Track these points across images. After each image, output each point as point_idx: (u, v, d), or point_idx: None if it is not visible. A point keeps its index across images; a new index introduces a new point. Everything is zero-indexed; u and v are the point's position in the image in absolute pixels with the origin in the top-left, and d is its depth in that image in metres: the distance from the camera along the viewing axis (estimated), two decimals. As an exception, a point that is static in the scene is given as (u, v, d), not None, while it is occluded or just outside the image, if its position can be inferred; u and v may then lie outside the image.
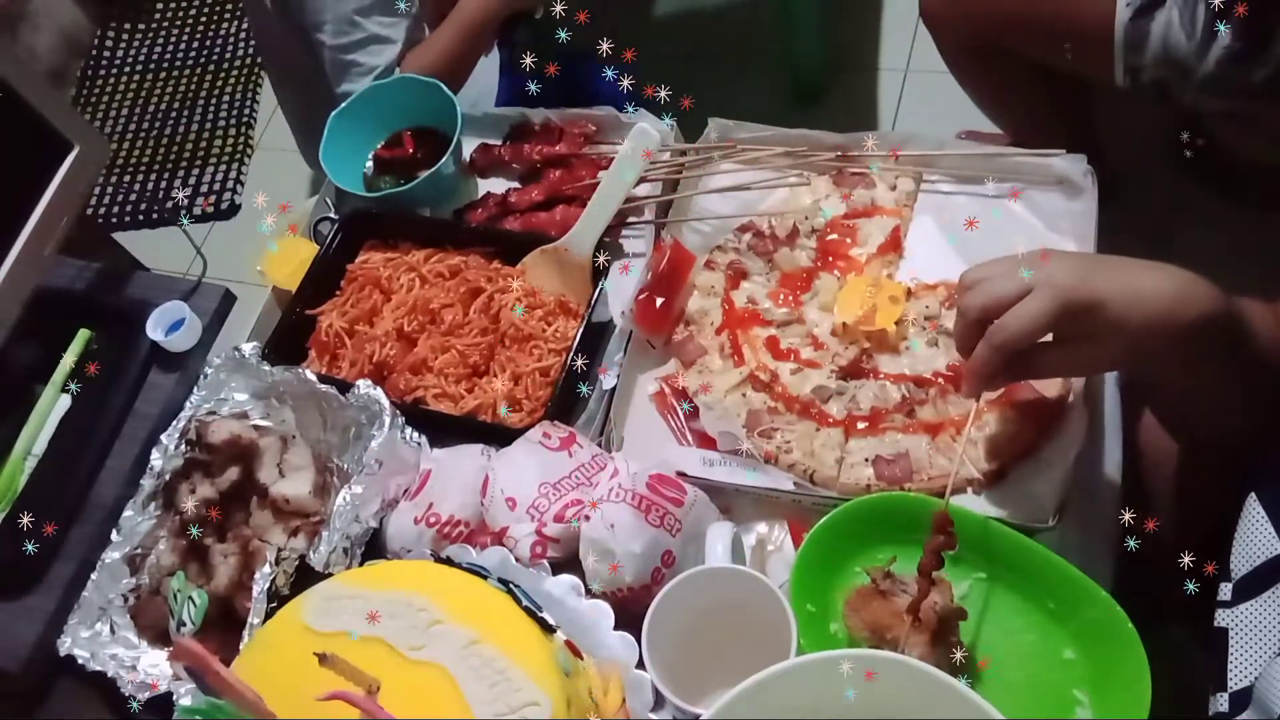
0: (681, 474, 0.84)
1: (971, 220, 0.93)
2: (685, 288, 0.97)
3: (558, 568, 0.81)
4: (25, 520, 0.92)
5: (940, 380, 0.87)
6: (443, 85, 1.11)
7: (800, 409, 0.89)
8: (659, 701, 0.74)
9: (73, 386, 1.02)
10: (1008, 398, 0.85)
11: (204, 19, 2.63)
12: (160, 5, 2.69)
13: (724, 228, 1.02)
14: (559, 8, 1.02)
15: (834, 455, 0.86)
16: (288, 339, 1.02)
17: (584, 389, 0.91)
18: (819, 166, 1.02)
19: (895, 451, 0.85)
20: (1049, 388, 0.84)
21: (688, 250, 0.98)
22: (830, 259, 0.97)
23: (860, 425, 0.87)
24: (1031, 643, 0.74)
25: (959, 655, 0.72)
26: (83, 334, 1.06)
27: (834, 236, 0.98)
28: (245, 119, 2.41)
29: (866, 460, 0.85)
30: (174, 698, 0.83)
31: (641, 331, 0.95)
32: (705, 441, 0.89)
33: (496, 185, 1.13)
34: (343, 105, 1.13)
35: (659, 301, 0.94)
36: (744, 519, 0.87)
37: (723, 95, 2.09)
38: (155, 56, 2.60)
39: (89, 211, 2.30)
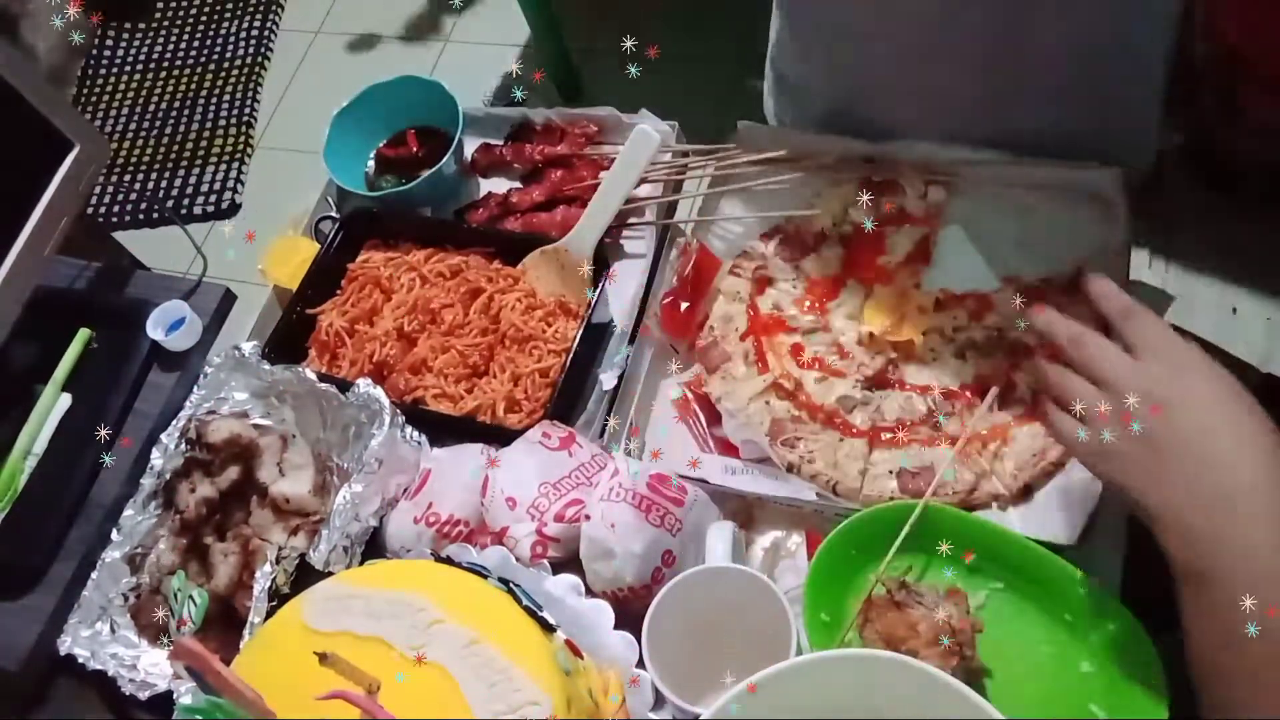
0: (703, 481, 0.84)
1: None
2: (710, 292, 0.97)
3: (558, 568, 0.81)
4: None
5: (967, 393, 0.86)
6: (444, 84, 1.11)
7: (824, 418, 0.88)
8: (659, 701, 0.74)
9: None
10: (1036, 415, 0.84)
11: (204, 19, 2.63)
12: (160, 5, 2.69)
13: (749, 232, 1.01)
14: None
15: (857, 466, 0.85)
16: (288, 338, 1.02)
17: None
18: (847, 173, 1.01)
19: (919, 464, 0.84)
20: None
21: (713, 254, 0.97)
22: (857, 267, 0.96)
23: (885, 436, 0.86)
24: (1048, 655, 0.74)
25: (974, 666, 0.72)
26: (83, 334, 1.06)
27: (862, 244, 0.97)
28: (245, 119, 2.41)
29: (890, 472, 0.84)
30: (174, 697, 0.83)
31: (665, 336, 0.95)
32: (727, 449, 0.89)
33: (498, 185, 1.13)
34: (345, 104, 1.13)
35: (683, 306, 0.94)
36: (762, 526, 0.86)
37: (726, 94, 2.09)
38: (155, 56, 2.60)
39: (89, 211, 2.30)
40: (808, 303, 0.96)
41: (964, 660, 0.71)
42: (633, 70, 0.99)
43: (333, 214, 1.14)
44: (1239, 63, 1.26)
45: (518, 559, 0.80)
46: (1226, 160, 1.58)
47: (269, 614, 0.80)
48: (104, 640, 0.89)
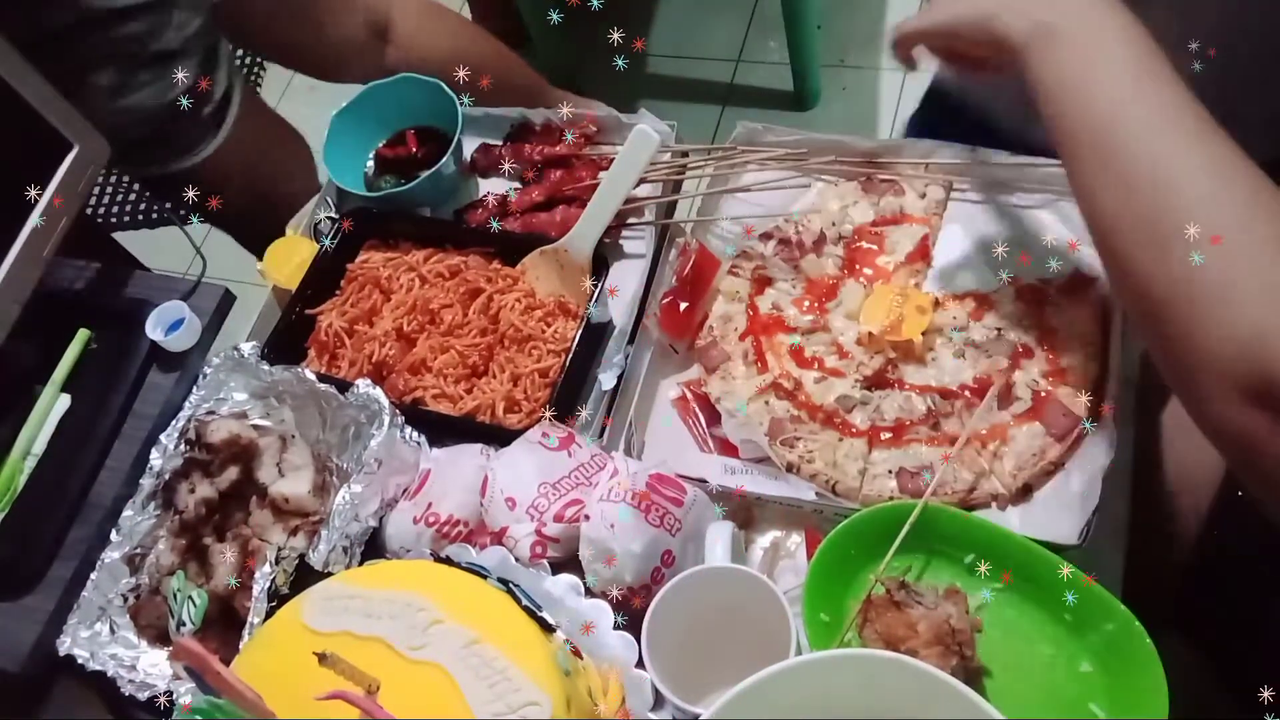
0: (702, 481, 0.84)
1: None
2: (710, 292, 0.97)
3: (557, 568, 0.81)
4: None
5: (966, 393, 0.86)
6: (443, 85, 1.11)
7: (824, 418, 0.88)
8: (659, 701, 0.74)
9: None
10: (1036, 414, 0.84)
11: (204, 19, 2.63)
12: (160, 5, 2.69)
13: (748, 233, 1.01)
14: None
15: (857, 466, 0.85)
16: (287, 339, 1.02)
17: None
18: (845, 172, 1.01)
19: (919, 464, 0.84)
20: (1079, 406, 0.83)
21: (713, 255, 0.97)
22: (857, 267, 0.96)
23: (884, 436, 0.86)
24: (1048, 655, 0.74)
25: (974, 666, 0.72)
26: (83, 334, 1.06)
27: (861, 244, 0.97)
28: (245, 119, 2.41)
29: (890, 472, 0.84)
30: (174, 697, 0.83)
31: (665, 335, 0.95)
32: (727, 449, 0.89)
33: (497, 185, 1.13)
34: (344, 105, 1.13)
35: (683, 306, 0.94)
36: (762, 526, 0.86)
37: (724, 93, 2.10)
38: (155, 56, 2.60)
39: (89, 211, 2.29)
40: (807, 302, 0.96)
41: (964, 660, 0.71)
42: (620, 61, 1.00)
43: (332, 214, 1.14)
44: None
45: (517, 559, 0.80)
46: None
47: (269, 614, 0.80)
48: (104, 641, 0.89)
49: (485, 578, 0.74)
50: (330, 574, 0.80)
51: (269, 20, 1.17)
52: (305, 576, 0.83)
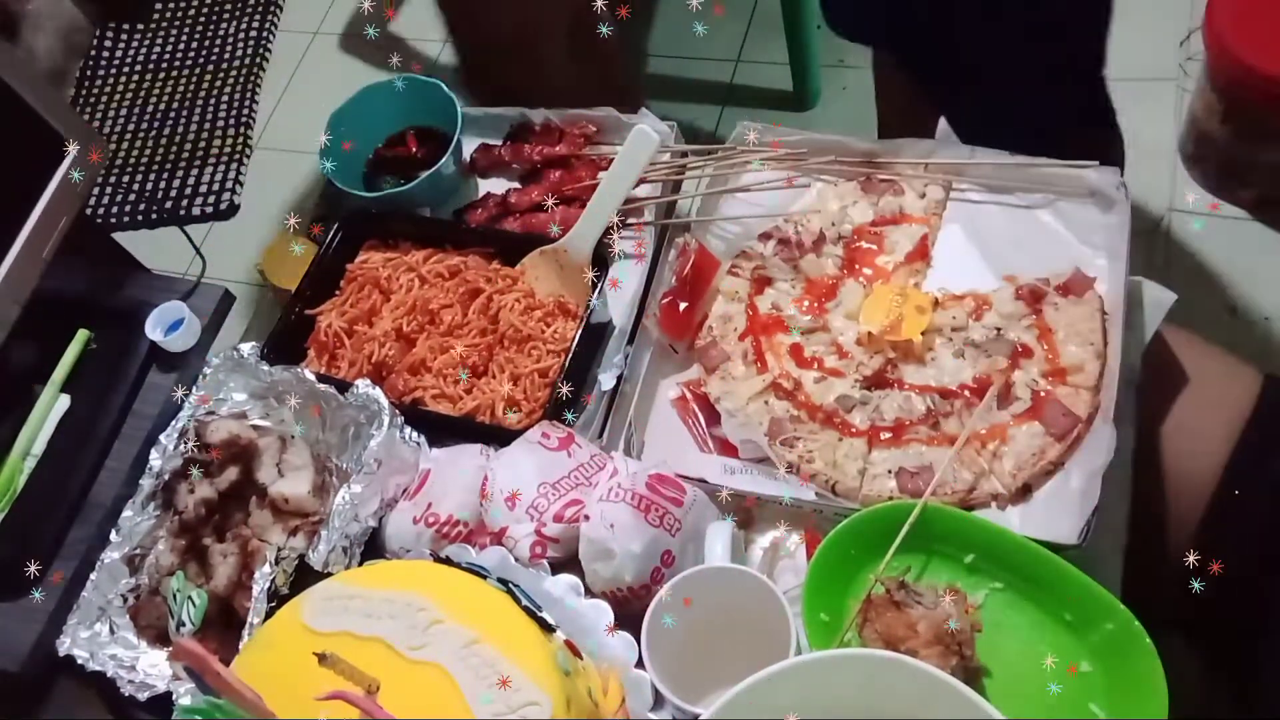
0: (702, 481, 0.84)
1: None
2: (709, 292, 0.97)
3: (557, 568, 0.81)
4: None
5: (966, 392, 0.86)
6: (443, 84, 1.11)
7: (823, 418, 0.88)
8: (659, 701, 0.74)
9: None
10: (1035, 414, 0.84)
11: (204, 19, 2.63)
12: (160, 5, 2.69)
13: (748, 232, 1.01)
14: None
15: (856, 466, 0.85)
16: (286, 339, 1.02)
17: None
18: (845, 172, 1.01)
19: (919, 463, 0.84)
20: (1078, 405, 0.84)
21: (712, 255, 0.97)
22: (857, 266, 0.96)
23: (884, 436, 0.86)
24: (1047, 655, 0.73)
25: (974, 666, 0.72)
26: (82, 334, 1.06)
27: (861, 244, 0.97)
28: (245, 119, 2.41)
29: (889, 472, 0.84)
30: (174, 698, 0.83)
31: (665, 335, 0.95)
32: (727, 449, 0.89)
33: (496, 185, 1.13)
34: (342, 105, 1.13)
35: (682, 306, 0.94)
36: (762, 526, 0.86)
37: (722, 93, 2.10)
38: (155, 56, 2.60)
39: (88, 212, 2.29)
40: (806, 302, 0.96)
41: (964, 660, 0.71)
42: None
43: (331, 214, 1.13)
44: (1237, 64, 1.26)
45: (517, 559, 0.80)
46: (1225, 161, 1.58)
47: (268, 614, 0.80)
48: (103, 641, 0.89)
49: (485, 578, 0.74)
50: (330, 574, 0.80)
51: None
52: (305, 576, 0.83)
